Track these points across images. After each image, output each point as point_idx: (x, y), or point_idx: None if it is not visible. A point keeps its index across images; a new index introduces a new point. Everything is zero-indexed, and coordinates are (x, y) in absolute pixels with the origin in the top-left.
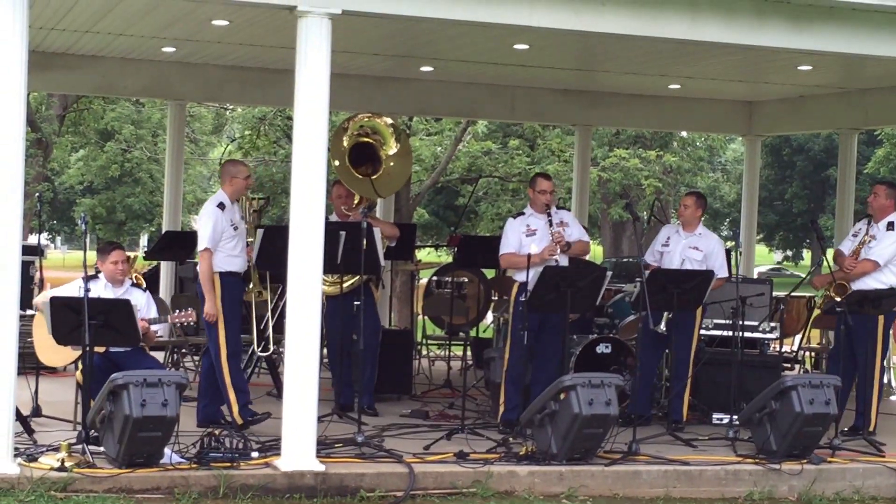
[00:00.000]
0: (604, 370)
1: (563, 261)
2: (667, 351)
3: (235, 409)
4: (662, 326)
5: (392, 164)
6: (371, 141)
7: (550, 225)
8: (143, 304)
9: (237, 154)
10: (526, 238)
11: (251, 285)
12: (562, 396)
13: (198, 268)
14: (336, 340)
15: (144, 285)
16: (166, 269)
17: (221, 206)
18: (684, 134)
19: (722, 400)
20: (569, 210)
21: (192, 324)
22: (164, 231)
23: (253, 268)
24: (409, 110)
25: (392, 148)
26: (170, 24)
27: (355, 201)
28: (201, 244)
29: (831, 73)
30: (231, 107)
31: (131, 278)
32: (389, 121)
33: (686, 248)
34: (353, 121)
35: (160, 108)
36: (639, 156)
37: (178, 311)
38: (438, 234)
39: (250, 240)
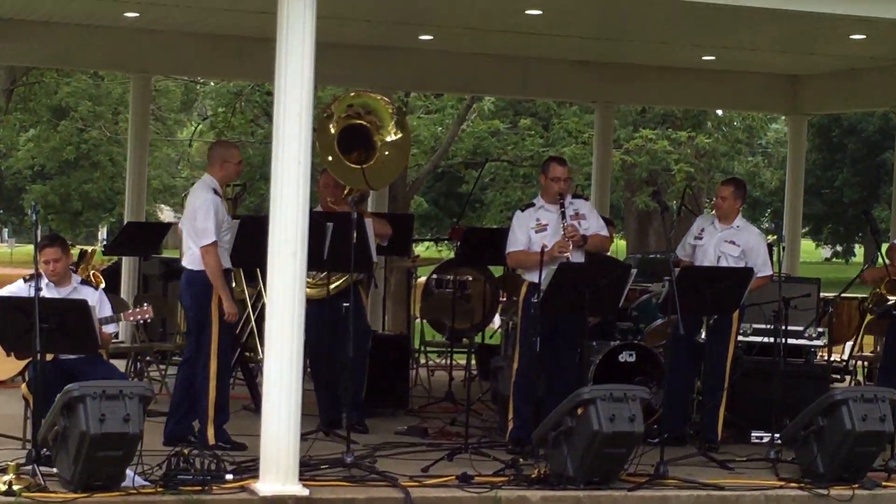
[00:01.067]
0: (627, 381)
1: (578, 258)
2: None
3: (211, 429)
4: (703, 335)
5: (387, 152)
6: (364, 123)
7: (563, 217)
8: (94, 304)
9: (209, 135)
10: (535, 234)
11: (233, 284)
12: (579, 411)
13: (185, 261)
14: (321, 347)
15: (103, 284)
16: (128, 265)
17: (216, 192)
18: (720, 112)
19: (762, 416)
20: (587, 199)
21: (148, 321)
22: (125, 222)
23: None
24: (406, 85)
25: (390, 134)
26: None
27: (344, 192)
28: (206, 238)
29: (888, 43)
30: (203, 80)
31: (87, 276)
32: (387, 99)
33: (722, 242)
34: (338, 102)
35: (122, 81)
36: (668, 137)
37: (132, 308)
38: (439, 225)
39: None
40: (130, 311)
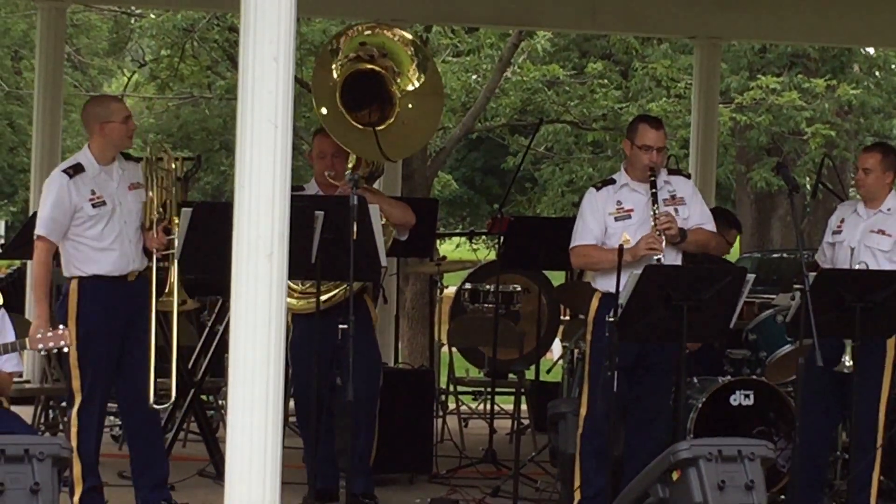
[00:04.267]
0: (743, 433)
1: (673, 259)
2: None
3: (78, 491)
4: (848, 361)
5: (411, 105)
6: (378, 69)
7: (654, 201)
8: None
9: (148, 87)
10: (615, 222)
11: (167, 290)
12: (675, 476)
13: None
14: (309, 387)
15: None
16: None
17: (74, 170)
18: (871, 52)
19: None
20: (688, 175)
21: (65, 350)
22: (31, 212)
23: (173, 266)
24: (426, 16)
25: (411, 81)
26: None
27: (349, 164)
28: (37, 227)
29: None
30: (139, 11)
31: None
32: (409, 36)
33: (867, 232)
34: (346, 36)
35: (25, 13)
36: (798, 87)
37: (41, 331)
38: (474, 214)
39: (157, 218)
40: (39, 335)
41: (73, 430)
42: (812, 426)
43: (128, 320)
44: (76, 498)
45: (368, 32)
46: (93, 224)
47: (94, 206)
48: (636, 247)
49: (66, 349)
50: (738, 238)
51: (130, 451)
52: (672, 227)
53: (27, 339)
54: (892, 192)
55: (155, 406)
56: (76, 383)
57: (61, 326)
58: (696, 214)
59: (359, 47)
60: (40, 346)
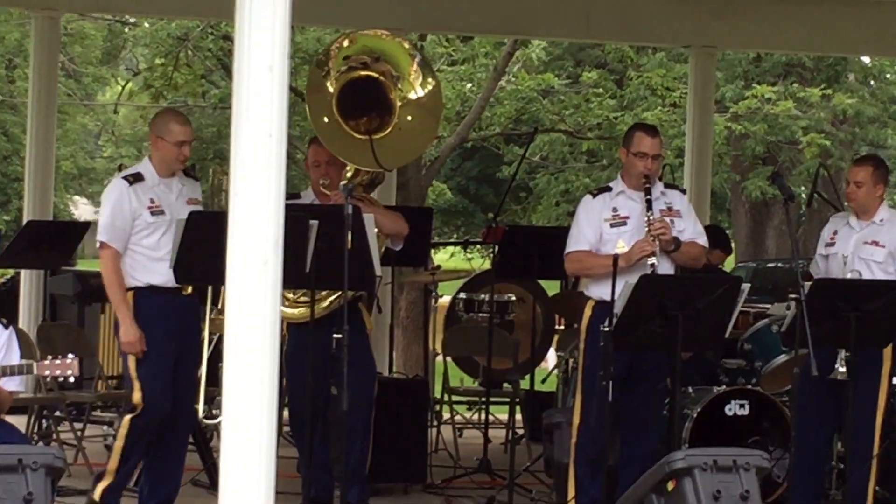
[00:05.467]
0: (738, 443)
1: (666, 269)
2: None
3: (104, 483)
4: (841, 369)
5: (410, 117)
6: (376, 75)
7: (649, 208)
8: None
9: (142, 96)
10: (611, 229)
11: (219, 307)
12: (669, 486)
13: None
14: (304, 396)
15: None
16: (29, 281)
17: (133, 178)
18: (866, 61)
19: None
20: (683, 190)
21: (72, 380)
22: (25, 221)
23: None
24: (421, 24)
25: (413, 87)
26: None
27: (348, 173)
28: (98, 235)
29: None
30: (132, 20)
31: None
32: (406, 45)
33: (860, 244)
34: (330, 54)
35: (19, 22)
36: (793, 96)
37: (50, 358)
38: (468, 223)
39: None
40: (48, 361)
41: (123, 431)
42: (808, 436)
43: (181, 335)
44: (102, 485)
45: (347, 43)
46: (150, 232)
47: (152, 213)
48: (630, 251)
49: (72, 379)
50: (726, 253)
51: (145, 462)
52: (666, 233)
53: (34, 365)
54: (883, 203)
55: (206, 420)
56: (137, 395)
57: (70, 355)
58: (690, 230)
59: (344, 61)
60: (47, 372)
